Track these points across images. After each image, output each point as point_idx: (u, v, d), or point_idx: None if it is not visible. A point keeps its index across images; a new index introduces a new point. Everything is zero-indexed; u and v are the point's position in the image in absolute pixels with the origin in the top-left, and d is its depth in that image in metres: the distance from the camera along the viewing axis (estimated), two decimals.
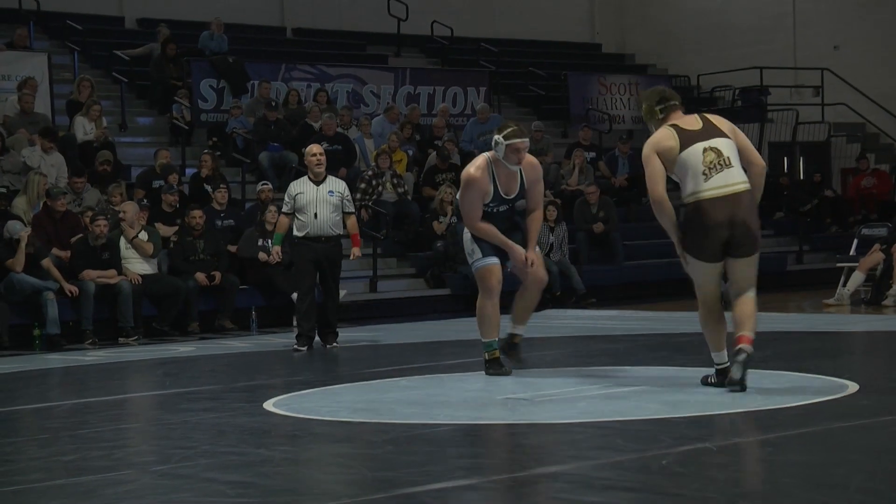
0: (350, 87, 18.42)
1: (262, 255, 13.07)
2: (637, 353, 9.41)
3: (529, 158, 7.88)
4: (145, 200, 13.60)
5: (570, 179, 17.16)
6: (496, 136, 7.77)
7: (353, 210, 10.71)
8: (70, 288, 11.83)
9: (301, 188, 10.34)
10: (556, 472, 4.95)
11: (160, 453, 5.84)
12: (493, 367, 7.81)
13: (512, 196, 7.84)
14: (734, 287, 6.78)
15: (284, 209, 10.50)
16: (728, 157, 6.72)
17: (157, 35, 17.79)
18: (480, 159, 7.86)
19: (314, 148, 10.56)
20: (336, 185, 10.45)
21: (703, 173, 6.67)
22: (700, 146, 6.75)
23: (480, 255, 7.82)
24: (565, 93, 20.28)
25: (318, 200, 10.26)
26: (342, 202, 10.39)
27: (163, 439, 6.28)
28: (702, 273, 6.80)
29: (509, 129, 7.77)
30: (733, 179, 6.66)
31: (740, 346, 6.60)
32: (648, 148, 6.92)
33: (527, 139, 7.85)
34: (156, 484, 5.04)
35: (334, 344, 10.49)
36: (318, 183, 10.32)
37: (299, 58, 18.94)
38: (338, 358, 10.01)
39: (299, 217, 10.31)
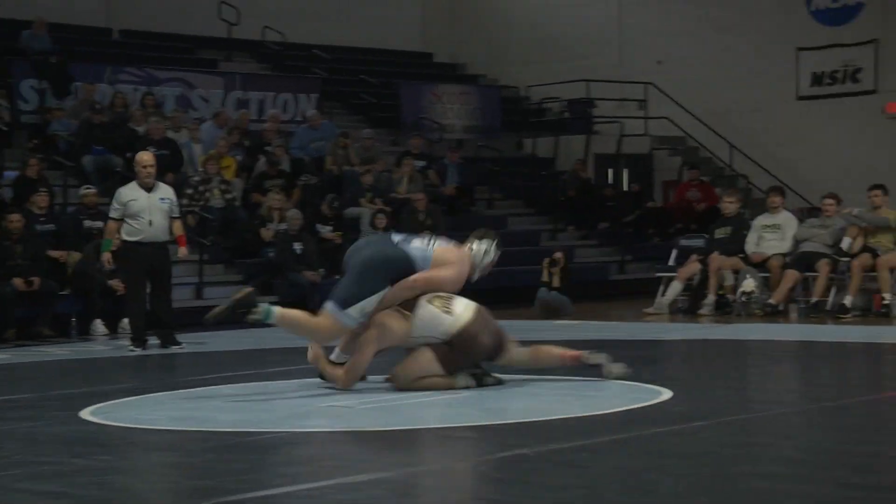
0: (179, 91, 18.15)
1: (115, 284, 12.48)
2: None
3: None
4: None
5: (400, 188, 17.24)
6: (492, 245, 7.61)
7: (179, 215, 10.99)
8: None
9: (133, 195, 10.54)
10: (375, 479, 4.97)
11: None
12: None
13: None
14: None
15: (113, 215, 10.65)
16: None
17: None
18: (469, 257, 7.58)
19: (144, 157, 10.65)
20: (167, 192, 10.75)
21: None
22: None
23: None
24: (397, 101, 20.38)
25: (152, 208, 10.52)
26: (171, 208, 10.66)
27: None
28: None
29: (497, 241, 7.66)
30: None
31: None
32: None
33: None
34: None
35: (179, 345, 10.67)
36: (149, 190, 10.57)
37: (126, 60, 18.56)
38: (161, 365, 9.86)
39: (130, 223, 10.49)
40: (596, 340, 10.66)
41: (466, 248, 7.60)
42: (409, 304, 7.27)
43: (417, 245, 7.41)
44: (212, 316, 7.18)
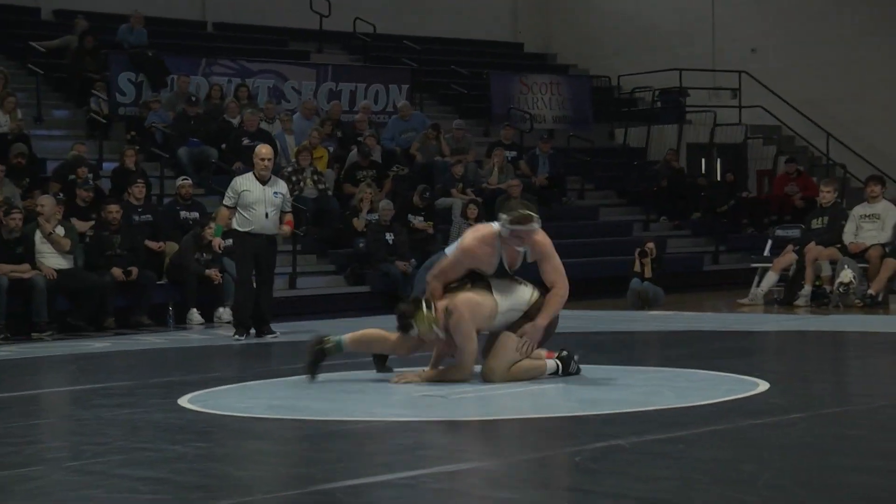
0: (271, 82, 18.32)
1: (212, 274, 12.80)
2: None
3: (535, 237, 7.24)
4: (61, 195, 13.41)
5: (491, 178, 17.23)
6: (502, 216, 7.18)
7: (290, 209, 11.14)
8: None
9: (248, 185, 10.70)
10: (471, 469, 4.98)
11: (72, 449, 5.77)
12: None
13: (514, 269, 7.36)
14: None
15: (227, 202, 10.82)
16: None
17: (75, 27, 17.55)
18: (489, 233, 7.28)
19: (263, 150, 10.83)
20: (281, 187, 10.92)
21: None
22: None
23: None
24: (487, 91, 20.36)
25: (265, 200, 10.67)
26: (283, 202, 10.81)
27: (75, 435, 6.22)
28: None
29: (515, 214, 7.13)
30: None
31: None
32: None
33: (533, 226, 7.15)
34: (67, 480, 4.98)
35: (273, 334, 10.84)
36: (264, 182, 10.71)
37: (220, 53, 18.79)
38: (256, 354, 9.97)
39: (242, 213, 10.66)
40: (689, 332, 10.59)
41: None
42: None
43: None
44: (309, 372, 7.39)
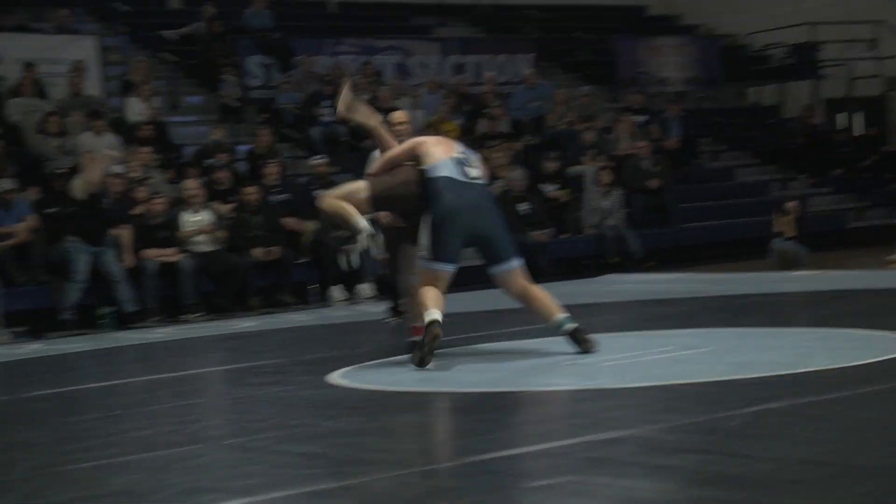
0: (396, 59, 18.40)
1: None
2: (699, 315, 9.36)
3: None
4: (205, 179, 13.66)
5: (621, 144, 17.06)
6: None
7: None
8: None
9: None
10: (624, 437, 4.94)
11: (230, 427, 5.90)
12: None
13: None
14: None
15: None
16: None
17: (202, 14, 17.86)
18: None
19: (397, 115, 10.47)
20: None
21: None
22: None
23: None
24: (612, 57, 20.14)
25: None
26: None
27: (231, 413, 6.35)
28: None
29: None
30: None
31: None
32: None
33: None
34: (228, 457, 5.09)
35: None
36: None
37: (344, 32, 18.93)
38: (400, 330, 10.02)
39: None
40: (836, 291, 10.35)
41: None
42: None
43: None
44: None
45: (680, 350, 7.07)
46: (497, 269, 7.30)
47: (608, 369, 6.69)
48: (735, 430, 4.89)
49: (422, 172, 7.22)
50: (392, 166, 7.42)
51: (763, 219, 14.58)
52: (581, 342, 7.09)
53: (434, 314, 6.87)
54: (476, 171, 7.37)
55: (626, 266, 14.76)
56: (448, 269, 7.18)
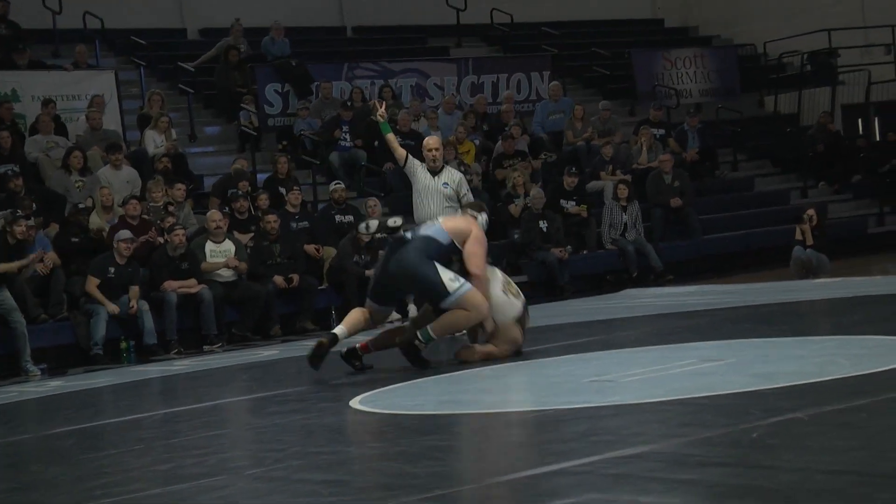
0: (414, 80, 18.44)
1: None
2: (720, 326, 9.31)
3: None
4: (227, 208, 13.68)
5: (640, 158, 17.04)
6: (484, 216, 8.83)
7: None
8: (112, 308, 11.86)
9: (420, 173, 10.30)
10: (646, 452, 4.91)
11: (252, 457, 5.89)
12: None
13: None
14: None
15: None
16: None
17: (221, 43, 17.94)
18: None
19: (430, 142, 10.50)
20: (451, 177, 10.36)
21: None
22: None
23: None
24: (630, 71, 20.13)
25: (432, 191, 10.24)
26: (452, 193, 10.30)
27: (254, 443, 6.34)
28: None
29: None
30: None
31: None
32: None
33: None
34: (250, 488, 5.08)
35: None
36: (434, 173, 10.29)
37: (361, 56, 19.00)
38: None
39: (415, 199, 10.33)
40: (859, 297, 10.29)
41: (470, 217, 8.57)
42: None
43: (426, 227, 8.37)
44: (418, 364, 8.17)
45: (701, 363, 7.03)
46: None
47: (630, 385, 6.66)
48: (758, 442, 4.85)
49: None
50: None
51: (785, 227, 14.52)
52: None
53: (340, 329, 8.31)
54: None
55: (646, 280, 14.72)
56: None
